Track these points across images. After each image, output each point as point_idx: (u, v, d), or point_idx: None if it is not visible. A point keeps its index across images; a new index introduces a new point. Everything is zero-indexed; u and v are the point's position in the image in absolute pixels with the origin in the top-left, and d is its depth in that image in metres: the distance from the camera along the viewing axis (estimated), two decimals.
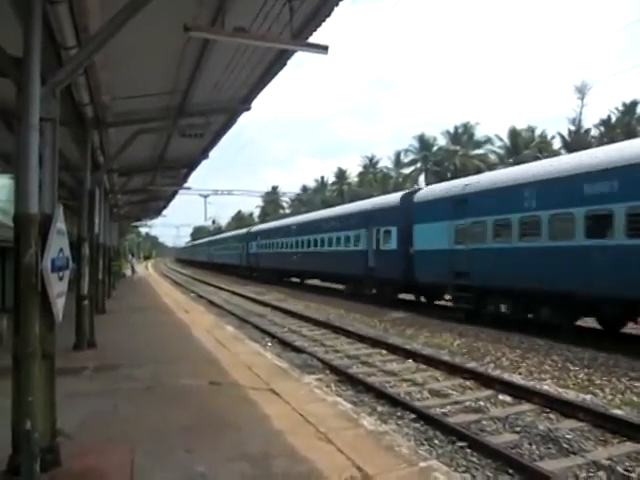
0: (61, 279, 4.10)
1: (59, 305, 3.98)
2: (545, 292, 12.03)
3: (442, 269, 15.34)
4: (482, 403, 7.33)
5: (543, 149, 45.78)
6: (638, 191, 10.01)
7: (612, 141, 28.94)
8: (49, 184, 4.02)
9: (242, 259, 42.64)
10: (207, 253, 64.67)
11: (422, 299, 19.39)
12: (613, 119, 46.39)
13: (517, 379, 8.53)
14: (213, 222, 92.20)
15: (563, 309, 11.84)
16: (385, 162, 66.66)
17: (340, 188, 69.02)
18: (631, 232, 10.10)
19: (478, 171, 37.81)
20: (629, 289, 9.97)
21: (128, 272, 41.23)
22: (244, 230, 46.56)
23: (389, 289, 19.96)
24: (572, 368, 9.32)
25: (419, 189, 20.55)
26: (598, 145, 30.14)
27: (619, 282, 10.17)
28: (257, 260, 38.23)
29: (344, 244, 23.18)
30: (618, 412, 6.73)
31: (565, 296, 11.42)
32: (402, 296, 20.02)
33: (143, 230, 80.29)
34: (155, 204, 29.21)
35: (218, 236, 66.65)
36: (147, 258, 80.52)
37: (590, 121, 48.03)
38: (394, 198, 20.48)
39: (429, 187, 20.79)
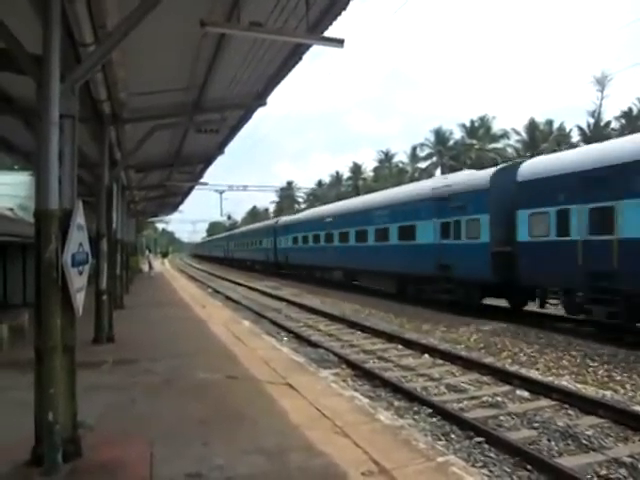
0: (81, 274, 4.15)
1: (79, 299, 4.04)
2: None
3: None
4: (499, 398, 7.28)
5: (561, 142, 45.04)
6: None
7: (633, 133, 28.16)
8: (68, 180, 4.06)
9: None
10: (268, 247, 38.08)
11: None
12: (635, 111, 45.37)
13: (535, 375, 8.44)
14: (229, 217, 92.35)
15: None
16: (400, 157, 66.36)
17: (355, 183, 68.81)
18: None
19: (495, 165, 37.19)
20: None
21: (145, 268, 41.58)
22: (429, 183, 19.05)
23: None
24: (591, 364, 9.18)
25: None
26: (619, 137, 29.38)
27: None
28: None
29: None
30: None
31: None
32: None
33: (159, 226, 79.92)
34: (171, 200, 29.45)
35: (300, 215, 35.72)
36: (165, 256, 77.26)
37: (611, 113, 47.20)
38: None
39: None
